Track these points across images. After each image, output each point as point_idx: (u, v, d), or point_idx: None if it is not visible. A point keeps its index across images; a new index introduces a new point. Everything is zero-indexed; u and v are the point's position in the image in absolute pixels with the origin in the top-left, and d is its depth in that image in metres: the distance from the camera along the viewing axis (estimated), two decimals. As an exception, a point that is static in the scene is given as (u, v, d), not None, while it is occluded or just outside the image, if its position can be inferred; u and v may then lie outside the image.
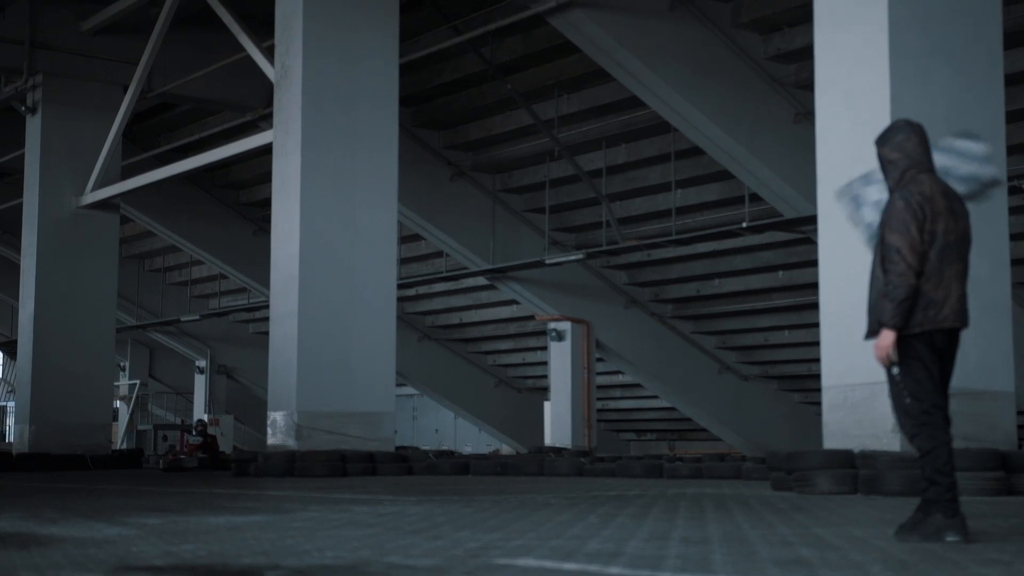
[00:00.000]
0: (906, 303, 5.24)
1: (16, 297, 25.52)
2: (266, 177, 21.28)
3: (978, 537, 5.34)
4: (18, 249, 24.67)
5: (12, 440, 30.89)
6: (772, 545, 5.13)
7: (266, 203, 25.40)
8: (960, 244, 5.39)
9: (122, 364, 39.55)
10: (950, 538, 5.09)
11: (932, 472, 5.16)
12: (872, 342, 5.40)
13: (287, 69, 16.97)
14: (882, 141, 5.57)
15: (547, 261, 23.68)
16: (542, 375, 28.49)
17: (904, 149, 5.48)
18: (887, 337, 5.26)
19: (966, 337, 5.51)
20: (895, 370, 5.31)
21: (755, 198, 20.15)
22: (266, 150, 18.22)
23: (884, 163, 5.54)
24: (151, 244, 34.46)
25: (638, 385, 27.84)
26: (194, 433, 23.70)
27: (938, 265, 5.31)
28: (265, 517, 7.26)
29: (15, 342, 26.03)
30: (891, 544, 5.15)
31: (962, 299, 5.37)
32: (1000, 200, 10.98)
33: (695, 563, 4.47)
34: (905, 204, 5.33)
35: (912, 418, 5.26)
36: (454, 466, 17.17)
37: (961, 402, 9.04)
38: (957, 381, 5.55)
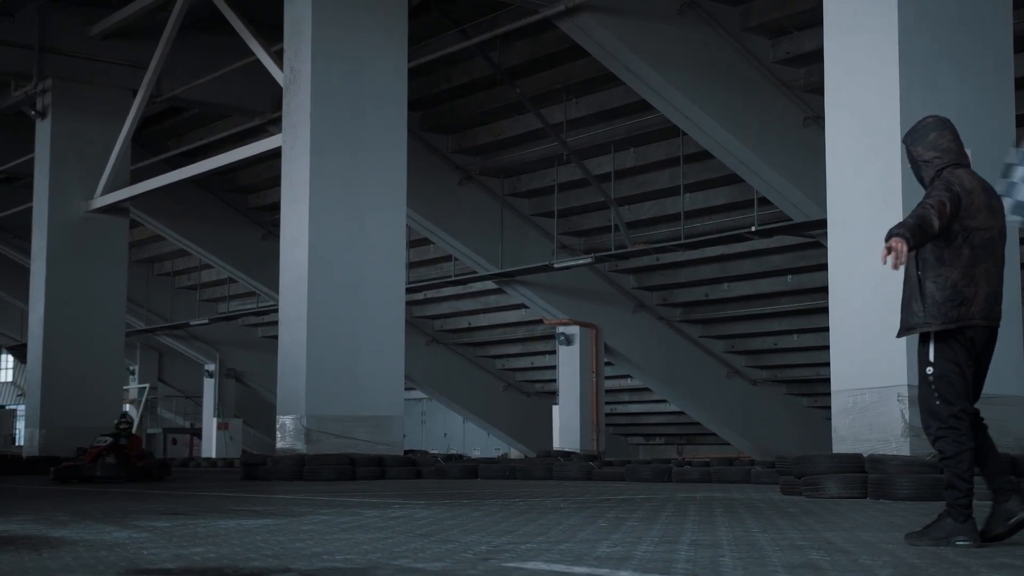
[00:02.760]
0: (928, 227, 5.07)
1: (26, 301, 25.56)
2: (275, 181, 21.29)
3: (988, 542, 5.33)
4: (28, 253, 24.69)
5: (22, 443, 30.98)
6: (782, 549, 5.12)
7: (275, 207, 25.41)
8: (995, 243, 5.34)
9: (131, 368, 39.61)
10: (960, 542, 5.08)
11: (952, 476, 5.14)
12: (894, 342, 5.34)
13: (296, 73, 17.00)
14: (914, 140, 5.45)
15: (555, 265, 23.68)
16: (550, 379, 28.49)
17: (939, 147, 5.39)
18: (902, 244, 5.02)
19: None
20: (929, 370, 5.26)
21: (764, 202, 20.14)
22: (275, 154, 18.23)
23: (917, 163, 5.44)
24: (160, 248, 34.51)
25: (646, 389, 27.82)
26: (116, 429, 17.12)
27: (971, 261, 5.25)
28: (275, 520, 7.27)
29: (25, 346, 26.07)
30: (901, 548, 5.15)
31: (989, 297, 5.29)
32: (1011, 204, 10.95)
33: (705, 567, 4.46)
34: (946, 186, 5.24)
35: (939, 421, 5.20)
36: (463, 470, 17.19)
37: (971, 406, 9.03)
38: (966, 385, 5.50)
